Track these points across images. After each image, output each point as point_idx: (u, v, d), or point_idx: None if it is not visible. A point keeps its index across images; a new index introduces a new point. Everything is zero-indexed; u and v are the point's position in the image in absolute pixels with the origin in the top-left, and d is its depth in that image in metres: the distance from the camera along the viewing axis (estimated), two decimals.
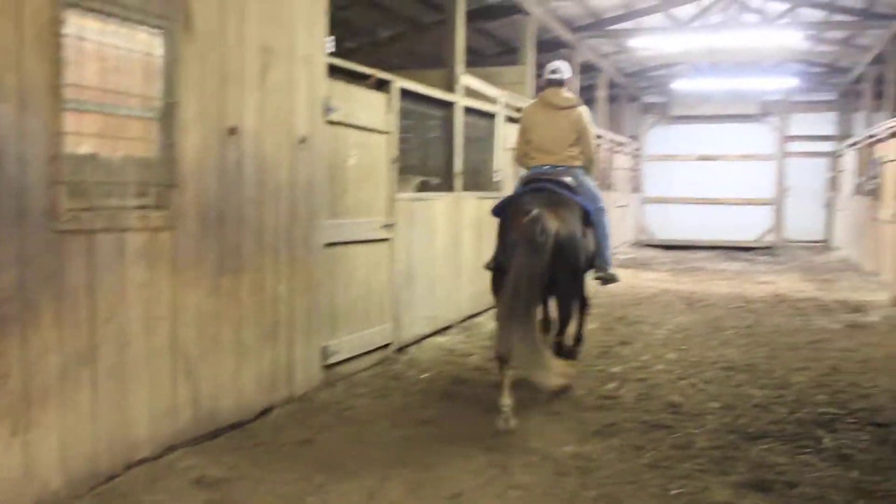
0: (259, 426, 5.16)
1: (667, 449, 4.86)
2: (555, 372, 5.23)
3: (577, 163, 6.56)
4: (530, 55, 12.70)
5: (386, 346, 7.06)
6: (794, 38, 15.64)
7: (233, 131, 4.94)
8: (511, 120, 10.40)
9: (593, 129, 6.74)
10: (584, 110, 6.59)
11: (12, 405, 3.62)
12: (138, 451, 4.34)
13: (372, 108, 6.77)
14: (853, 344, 8.02)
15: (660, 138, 22.76)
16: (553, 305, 6.47)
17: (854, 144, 16.35)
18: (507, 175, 10.17)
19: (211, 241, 4.82)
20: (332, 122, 6.10)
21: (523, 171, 6.75)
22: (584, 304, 6.78)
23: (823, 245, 20.91)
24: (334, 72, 6.17)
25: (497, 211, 6.23)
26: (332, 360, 6.19)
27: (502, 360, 5.35)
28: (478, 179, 9.56)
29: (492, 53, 15.65)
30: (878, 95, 16.01)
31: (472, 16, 10.91)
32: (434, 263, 8.13)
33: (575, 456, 4.73)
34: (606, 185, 16.57)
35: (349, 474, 4.38)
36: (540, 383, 5.20)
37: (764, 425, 5.31)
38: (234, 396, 5.07)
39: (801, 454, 4.75)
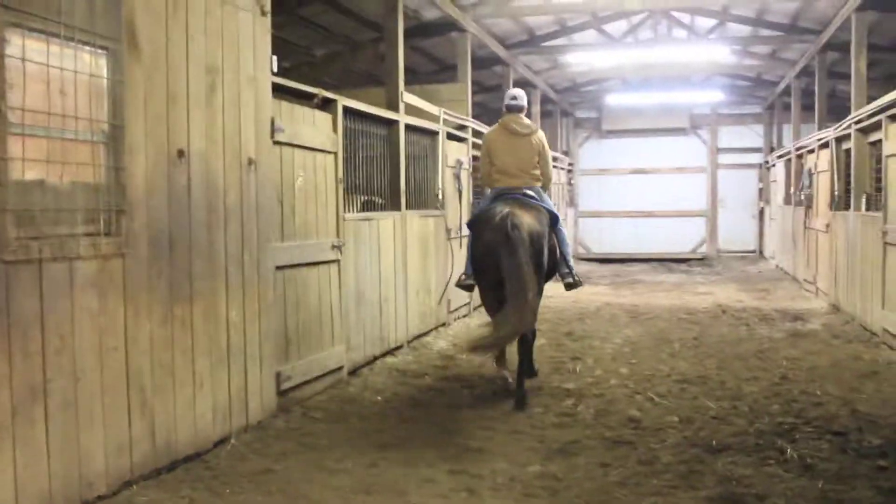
0: (217, 456, 4.97)
1: (633, 465, 4.83)
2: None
3: (538, 183, 7.13)
4: (467, 72, 12.71)
5: (339, 368, 6.91)
6: (721, 53, 16.11)
7: (181, 154, 4.78)
8: (452, 137, 10.38)
9: (550, 152, 7.34)
10: (541, 135, 7.21)
11: None
12: (94, 489, 4.13)
13: (317, 128, 6.66)
14: (798, 352, 8.15)
15: (593, 153, 22.99)
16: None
17: (783, 156, 16.74)
18: (449, 193, 10.13)
19: (163, 267, 4.64)
20: (279, 143, 5.98)
21: (488, 190, 7.30)
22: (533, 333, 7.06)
23: (755, 255, 21.39)
24: (279, 91, 6.05)
25: (471, 223, 6.83)
26: (287, 385, 6.03)
27: (499, 360, 6.97)
28: (422, 198, 9.50)
29: (428, 71, 15.64)
30: (806, 108, 16.43)
31: (409, 34, 10.86)
32: (382, 283, 8.02)
33: (541, 476, 4.68)
34: None
35: None
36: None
37: (725, 437, 5.33)
38: (190, 427, 4.88)
39: (766, 466, 4.76)
